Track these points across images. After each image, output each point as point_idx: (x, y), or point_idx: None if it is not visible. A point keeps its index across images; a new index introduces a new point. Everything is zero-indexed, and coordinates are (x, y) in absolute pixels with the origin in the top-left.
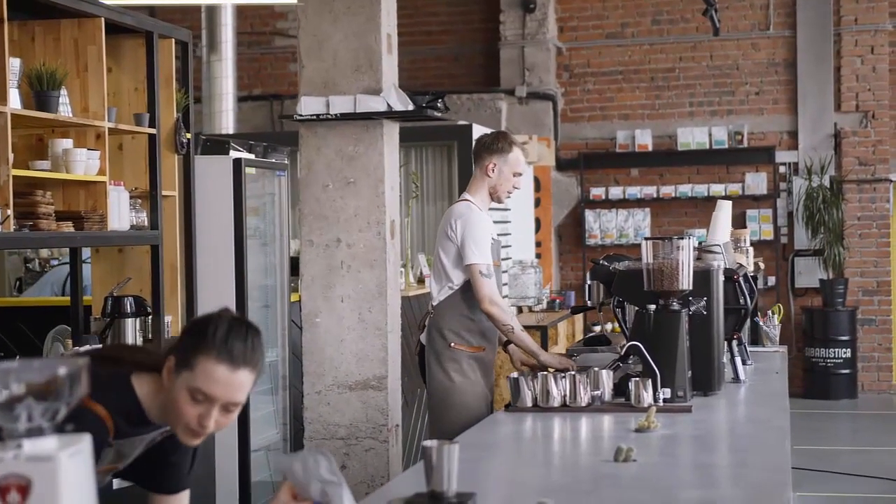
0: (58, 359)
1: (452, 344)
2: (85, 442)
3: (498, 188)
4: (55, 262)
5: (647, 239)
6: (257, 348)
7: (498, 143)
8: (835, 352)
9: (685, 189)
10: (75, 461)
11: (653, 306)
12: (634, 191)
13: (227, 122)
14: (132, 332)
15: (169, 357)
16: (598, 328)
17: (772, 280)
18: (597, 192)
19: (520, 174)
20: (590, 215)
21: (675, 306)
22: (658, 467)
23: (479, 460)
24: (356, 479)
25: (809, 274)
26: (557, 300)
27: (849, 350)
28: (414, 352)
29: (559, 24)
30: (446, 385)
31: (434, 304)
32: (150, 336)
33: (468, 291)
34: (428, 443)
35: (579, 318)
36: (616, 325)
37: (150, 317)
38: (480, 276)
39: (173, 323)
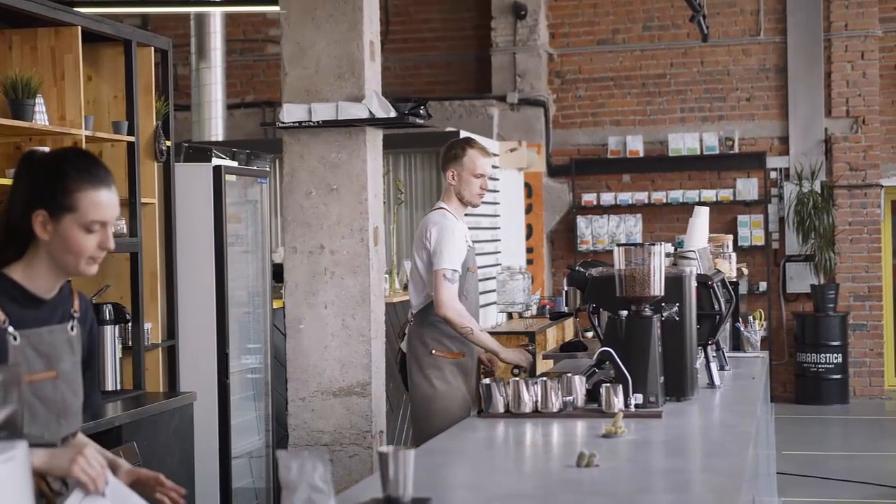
0: None
1: (434, 351)
2: (19, 449)
3: (463, 193)
4: None
5: (619, 245)
6: (106, 166)
7: (451, 150)
8: (826, 357)
9: (676, 195)
10: (6, 468)
11: (625, 312)
12: (626, 197)
13: (216, 129)
14: (111, 339)
15: (36, 213)
16: (590, 334)
17: (763, 285)
18: (588, 198)
19: (481, 175)
20: (581, 221)
21: (647, 312)
22: (619, 472)
23: (444, 466)
24: (340, 486)
25: (801, 279)
26: (548, 306)
27: (840, 355)
28: (395, 360)
29: (550, 31)
30: (429, 392)
31: (414, 311)
32: (129, 343)
33: None
34: (383, 449)
35: (570, 323)
36: None
37: (129, 324)
38: (443, 279)
39: (153, 330)
